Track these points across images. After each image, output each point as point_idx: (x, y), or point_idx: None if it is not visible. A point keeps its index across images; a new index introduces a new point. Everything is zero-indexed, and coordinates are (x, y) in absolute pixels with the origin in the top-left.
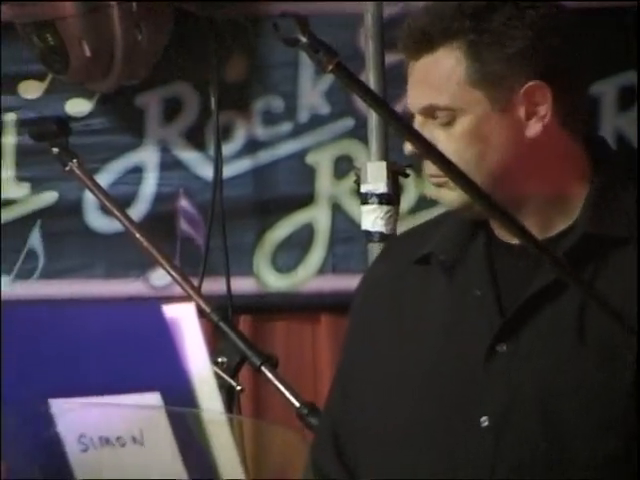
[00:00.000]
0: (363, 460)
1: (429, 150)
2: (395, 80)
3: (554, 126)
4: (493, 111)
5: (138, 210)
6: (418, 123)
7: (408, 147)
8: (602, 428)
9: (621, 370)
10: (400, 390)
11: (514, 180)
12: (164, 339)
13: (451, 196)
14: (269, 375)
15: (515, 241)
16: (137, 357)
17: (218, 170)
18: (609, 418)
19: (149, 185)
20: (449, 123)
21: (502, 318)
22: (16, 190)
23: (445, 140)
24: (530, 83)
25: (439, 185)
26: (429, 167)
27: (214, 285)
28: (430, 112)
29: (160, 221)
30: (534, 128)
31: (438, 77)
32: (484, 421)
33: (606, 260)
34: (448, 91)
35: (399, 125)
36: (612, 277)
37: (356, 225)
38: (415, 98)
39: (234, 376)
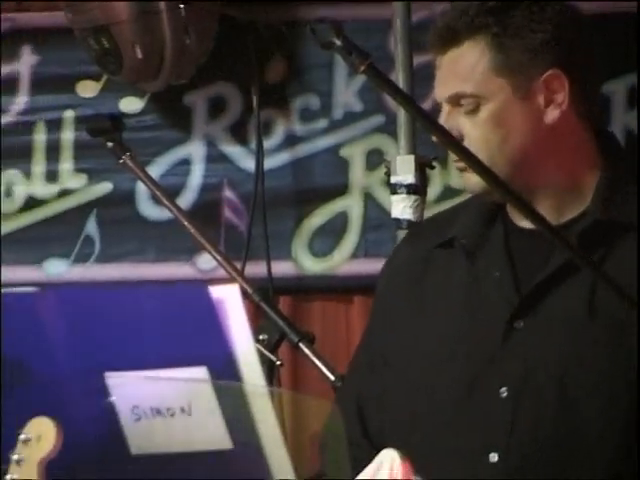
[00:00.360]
0: (389, 433)
1: (452, 143)
2: (422, 80)
3: (570, 114)
4: (515, 98)
5: (186, 199)
6: (445, 112)
7: (472, 183)
8: (612, 398)
9: (628, 345)
10: (423, 364)
11: (533, 164)
12: (210, 318)
13: (474, 180)
14: (306, 351)
15: (530, 226)
16: (186, 334)
17: (259, 163)
18: (618, 389)
19: (196, 176)
20: (474, 110)
21: (519, 297)
22: (74, 181)
23: (471, 126)
24: (549, 72)
25: (463, 169)
26: (453, 155)
27: (256, 268)
28: (456, 100)
29: (206, 210)
30: (552, 114)
31: (464, 67)
32: (503, 392)
33: (615, 244)
34: (473, 80)
35: (426, 121)
36: (621, 260)
37: (386, 213)
38: (443, 88)
39: (274, 352)
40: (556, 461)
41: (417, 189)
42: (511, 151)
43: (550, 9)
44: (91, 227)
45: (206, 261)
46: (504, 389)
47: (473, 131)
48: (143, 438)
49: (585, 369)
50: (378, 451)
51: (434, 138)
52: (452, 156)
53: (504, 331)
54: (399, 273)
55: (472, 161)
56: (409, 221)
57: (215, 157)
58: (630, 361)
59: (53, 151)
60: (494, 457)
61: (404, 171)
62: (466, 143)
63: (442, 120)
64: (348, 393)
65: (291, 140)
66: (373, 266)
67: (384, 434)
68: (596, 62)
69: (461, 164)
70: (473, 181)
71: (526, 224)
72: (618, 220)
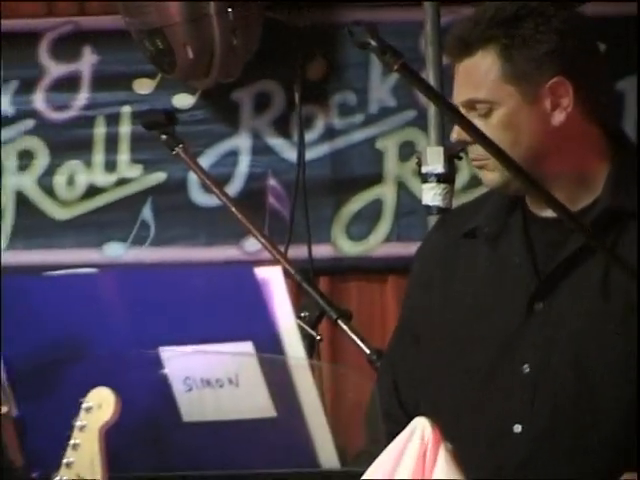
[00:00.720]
0: (421, 404)
1: (479, 135)
2: (451, 78)
3: (576, 116)
4: (523, 103)
5: (233, 187)
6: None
7: (453, 136)
8: (625, 373)
9: None
10: (452, 342)
11: (542, 162)
12: (256, 297)
13: (490, 176)
14: (344, 327)
15: (547, 215)
16: (233, 311)
17: (301, 154)
18: (631, 365)
19: (242, 166)
20: (487, 114)
21: (538, 281)
22: (131, 171)
23: (484, 129)
24: (554, 79)
25: (480, 167)
26: (472, 152)
27: (298, 251)
28: (471, 105)
29: (252, 197)
30: (558, 117)
31: (477, 75)
32: (525, 368)
33: (625, 230)
34: (486, 87)
35: (454, 115)
36: (631, 245)
37: (417, 200)
38: (459, 94)
39: (314, 328)
40: (574, 432)
41: (446, 178)
42: (521, 151)
43: (555, 20)
44: (146, 213)
45: (252, 244)
46: (526, 366)
47: (486, 133)
48: (194, 407)
49: (600, 347)
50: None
51: (452, 136)
52: (471, 154)
53: (525, 312)
54: (429, 259)
55: (497, 152)
56: (439, 207)
57: (260, 149)
58: None
59: (112, 143)
60: (518, 428)
61: (434, 161)
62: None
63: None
64: (385, 367)
65: (330, 133)
66: (405, 249)
67: (417, 405)
68: (602, 65)
69: (479, 162)
70: (490, 177)
71: (544, 213)
72: (627, 208)
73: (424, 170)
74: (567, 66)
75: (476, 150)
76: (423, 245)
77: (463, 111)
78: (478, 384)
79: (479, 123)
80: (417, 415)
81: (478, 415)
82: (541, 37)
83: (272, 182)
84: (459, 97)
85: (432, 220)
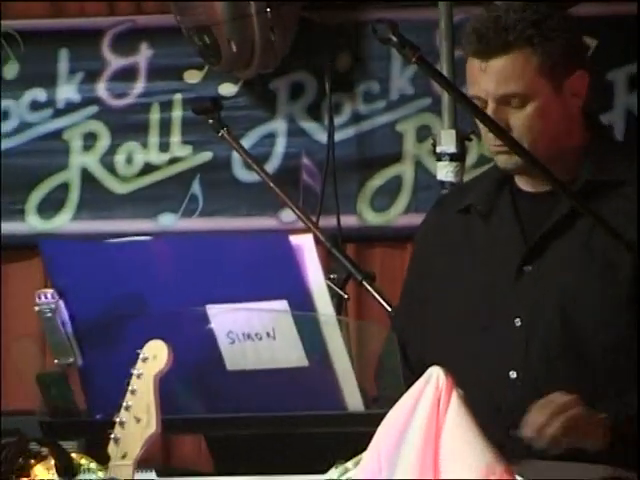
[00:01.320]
0: (428, 357)
1: (490, 122)
2: (462, 70)
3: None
4: (553, 95)
5: (271, 165)
6: (492, 108)
7: (502, 160)
8: (607, 322)
9: (620, 279)
10: (453, 302)
11: (556, 142)
12: (290, 261)
13: (504, 158)
14: (368, 287)
15: (532, 190)
16: (270, 274)
17: (331, 136)
18: (611, 314)
19: (279, 147)
20: (522, 106)
21: (526, 247)
22: (182, 150)
23: (518, 119)
24: (577, 72)
25: (497, 152)
26: (488, 139)
27: (327, 221)
28: (506, 99)
29: (288, 174)
30: (575, 106)
31: (515, 72)
32: (517, 322)
33: (606, 198)
34: (523, 81)
35: (466, 103)
36: (610, 211)
37: (433, 176)
38: (493, 89)
39: (342, 288)
40: (564, 375)
41: (457, 157)
42: (549, 136)
43: (568, 18)
44: (195, 188)
45: (287, 215)
46: (518, 320)
47: (520, 122)
48: (236, 357)
49: (584, 300)
50: (417, 377)
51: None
52: (488, 141)
53: (516, 274)
54: (429, 233)
55: (505, 136)
56: (451, 183)
57: (294, 131)
58: (620, 291)
59: (165, 126)
60: (513, 374)
61: (447, 142)
62: (514, 133)
63: (490, 114)
64: (394, 327)
65: (356, 118)
66: (422, 219)
67: (423, 360)
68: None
69: (497, 148)
70: (504, 159)
71: (529, 189)
72: (605, 179)
73: (438, 150)
74: (584, 59)
75: (499, 140)
76: (424, 222)
77: (492, 105)
78: (477, 337)
79: (515, 116)
80: (420, 369)
81: (478, 363)
82: (564, 35)
83: (305, 161)
84: (493, 92)
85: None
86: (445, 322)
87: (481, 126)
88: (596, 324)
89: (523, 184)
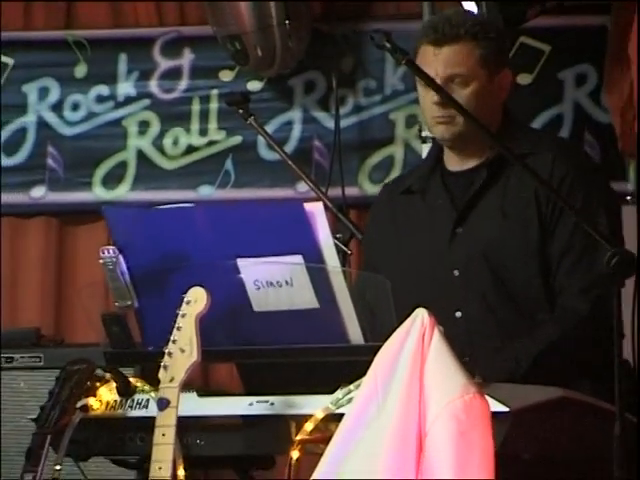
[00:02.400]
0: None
1: (456, 102)
2: None
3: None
4: (487, 82)
5: (289, 147)
6: (440, 84)
7: (434, 98)
8: (523, 265)
9: (529, 231)
10: (404, 262)
11: (488, 120)
12: (304, 223)
13: (442, 129)
14: None
15: (457, 169)
16: (288, 234)
17: (337, 123)
18: (525, 259)
19: (296, 132)
20: (463, 85)
21: (456, 213)
22: (217, 135)
23: (461, 96)
24: (505, 70)
25: (442, 123)
26: (436, 111)
27: (334, 191)
28: (452, 78)
29: (302, 154)
30: (502, 95)
31: (462, 57)
32: (456, 272)
33: (514, 167)
34: (467, 66)
35: (442, 93)
36: (521, 174)
37: (418, 156)
38: (442, 69)
39: (346, 245)
40: (496, 310)
41: None
42: (481, 112)
43: (499, 27)
44: (228, 165)
45: (302, 187)
46: (456, 271)
47: (460, 99)
48: (261, 300)
49: (504, 249)
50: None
51: (435, 98)
52: (435, 112)
53: (450, 236)
54: (379, 211)
55: (462, 110)
56: None
57: (308, 120)
58: (531, 240)
59: (204, 116)
60: (458, 314)
61: None
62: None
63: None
64: None
65: (357, 108)
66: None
67: None
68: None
69: (443, 119)
70: (443, 130)
71: (455, 168)
72: (514, 151)
73: (423, 134)
74: (508, 61)
75: (444, 112)
76: (374, 204)
77: (441, 81)
78: (426, 288)
79: (458, 91)
80: None
81: (431, 308)
82: (498, 38)
83: (317, 143)
84: (445, 71)
85: None
86: (399, 278)
87: (429, 101)
88: (515, 267)
89: (450, 165)
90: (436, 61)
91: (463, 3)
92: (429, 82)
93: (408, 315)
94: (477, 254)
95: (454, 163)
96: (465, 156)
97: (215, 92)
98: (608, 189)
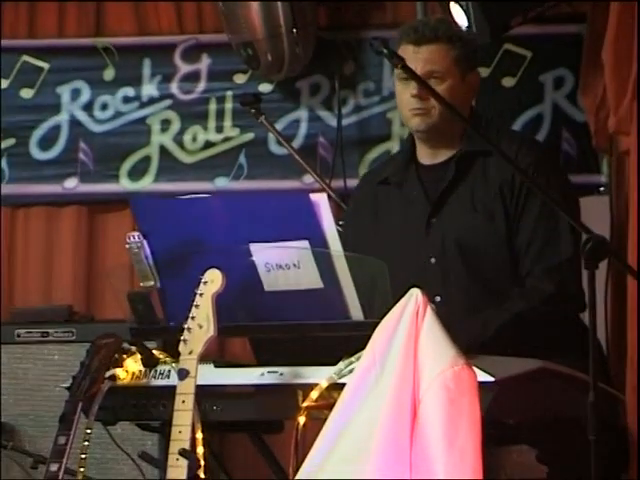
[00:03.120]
0: None
1: (438, 96)
2: None
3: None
4: (460, 80)
5: (296, 142)
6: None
7: (413, 92)
8: (491, 251)
9: (496, 221)
10: (382, 249)
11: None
12: (310, 212)
13: (420, 121)
14: None
15: (430, 162)
16: (296, 221)
17: (339, 122)
18: (494, 245)
19: (302, 130)
20: (440, 81)
21: (430, 204)
22: (232, 132)
23: (439, 89)
24: (475, 71)
25: (419, 114)
26: (416, 104)
27: (337, 183)
28: (429, 74)
29: (308, 149)
30: (471, 94)
31: (439, 57)
32: (432, 260)
33: (481, 162)
34: (443, 64)
35: (429, 89)
36: (485, 172)
37: None
38: (421, 67)
39: None
40: (469, 292)
41: None
42: (454, 103)
43: (470, 34)
44: (242, 159)
45: (308, 179)
46: (433, 259)
47: (440, 92)
48: (272, 281)
49: (474, 237)
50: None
51: (414, 92)
52: (414, 104)
53: (425, 225)
54: (358, 200)
55: (444, 103)
56: None
57: (313, 118)
58: (498, 229)
59: (220, 115)
60: (437, 298)
61: None
62: (431, 101)
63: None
64: None
65: (358, 108)
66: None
67: None
68: None
69: (420, 111)
70: (419, 121)
71: (428, 162)
72: (479, 149)
73: None
74: (479, 63)
75: (421, 104)
76: (353, 193)
77: (423, 77)
78: (404, 275)
79: (434, 86)
80: None
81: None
82: (469, 42)
83: (321, 139)
84: (424, 67)
85: None
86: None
87: (408, 94)
88: (486, 254)
89: (423, 159)
90: (416, 59)
91: (452, 12)
92: (415, 78)
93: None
94: (451, 242)
95: (426, 157)
96: (436, 150)
97: (230, 93)
98: (566, 177)
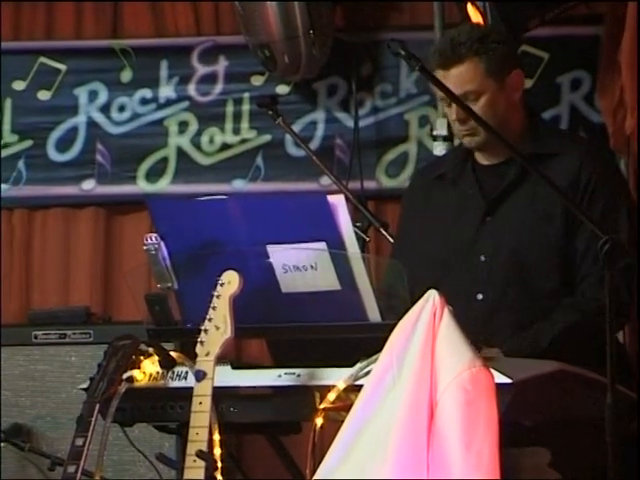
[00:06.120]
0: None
1: (470, 112)
2: None
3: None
4: (498, 90)
5: (314, 144)
6: (455, 106)
7: (453, 117)
8: (545, 258)
9: (554, 227)
10: (435, 245)
11: (505, 124)
12: (327, 213)
13: (468, 139)
14: (384, 232)
15: (487, 163)
16: (313, 222)
17: (356, 123)
18: (548, 251)
19: (319, 131)
20: (476, 100)
21: (486, 204)
22: (249, 134)
23: (476, 110)
24: (514, 71)
25: (463, 135)
26: (458, 126)
27: (354, 184)
28: (464, 96)
29: (325, 150)
30: (515, 96)
31: (469, 75)
32: (482, 257)
33: (545, 166)
34: (475, 82)
35: (453, 97)
36: (550, 174)
37: (430, 152)
38: (456, 89)
39: (365, 233)
40: (515, 295)
41: (448, 138)
42: (496, 120)
43: (502, 33)
44: (259, 160)
45: (325, 180)
46: (482, 256)
47: (477, 111)
48: (289, 283)
49: (529, 241)
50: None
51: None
52: (460, 127)
53: (479, 224)
54: (413, 194)
55: (481, 122)
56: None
57: (330, 120)
58: (554, 235)
59: (237, 116)
60: (480, 296)
61: (441, 128)
62: (472, 121)
63: (454, 108)
64: None
65: (375, 110)
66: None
67: (412, 288)
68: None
69: (467, 131)
70: (471, 140)
71: (485, 162)
72: (542, 151)
73: (434, 133)
74: (518, 61)
75: (464, 127)
76: (409, 185)
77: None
78: (453, 270)
79: (472, 105)
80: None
81: (455, 289)
82: (500, 45)
83: (338, 141)
84: (456, 91)
85: None
86: (428, 259)
87: (451, 119)
88: (537, 259)
89: (481, 159)
90: (447, 83)
91: (469, 13)
92: (454, 98)
93: None
94: (504, 243)
95: (484, 158)
96: (494, 153)
97: (247, 95)
98: (628, 191)
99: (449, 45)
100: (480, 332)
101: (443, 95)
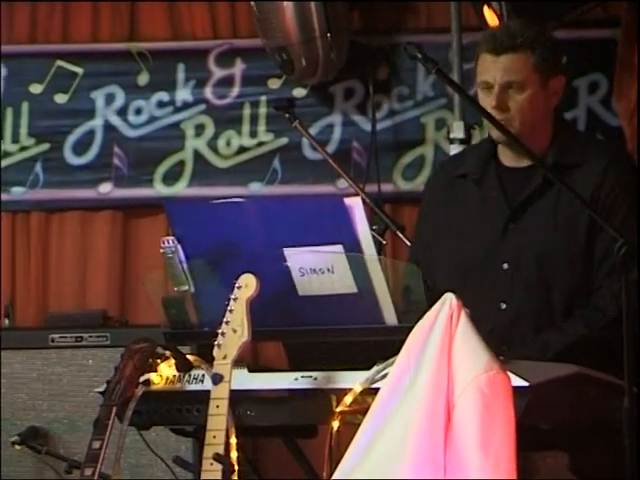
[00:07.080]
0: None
1: (487, 115)
2: (468, 79)
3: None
4: (540, 88)
5: (330, 147)
6: (497, 91)
7: (492, 103)
8: (568, 266)
9: (578, 235)
10: (454, 250)
11: (537, 125)
12: (344, 216)
13: (497, 133)
14: (401, 235)
15: (511, 165)
16: (330, 225)
17: (374, 126)
18: (572, 260)
19: (336, 134)
20: (519, 91)
21: (510, 209)
22: (266, 136)
23: (515, 101)
24: (559, 76)
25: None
26: (494, 114)
27: (371, 187)
28: (509, 84)
29: (343, 153)
30: (554, 101)
31: (518, 66)
32: (505, 266)
33: (569, 175)
34: (522, 74)
35: (470, 102)
36: (572, 184)
37: (447, 155)
38: (500, 76)
39: (382, 236)
40: (538, 305)
41: (465, 141)
42: (533, 119)
43: (554, 37)
44: (276, 164)
45: (342, 183)
46: (505, 264)
47: (516, 104)
48: (305, 286)
49: (553, 249)
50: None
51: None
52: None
53: (502, 230)
54: (433, 193)
55: (498, 125)
56: None
57: (347, 123)
58: (578, 243)
59: (254, 119)
60: (503, 305)
61: (457, 131)
62: (511, 111)
63: (495, 94)
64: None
65: (392, 113)
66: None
67: (431, 292)
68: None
69: (502, 120)
70: (496, 133)
71: (509, 164)
72: (568, 161)
73: (451, 136)
74: (563, 68)
75: (501, 116)
76: (428, 183)
77: (497, 88)
78: (474, 277)
79: (515, 97)
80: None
81: (477, 296)
82: (552, 47)
83: (355, 144)
84: (502, 77)
85: None
86: (448, 265)
87: (490, 105)
88: (561, 267)
89: (505, 160)
90: (494, 68)
91: (486, 15)
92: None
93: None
94: (527, 251)
95: (508, 159)
96: (520, 154)
97: (264, 98)
98: None
99: (505, 32)
100: (503, 341)
101: (482, 80)
